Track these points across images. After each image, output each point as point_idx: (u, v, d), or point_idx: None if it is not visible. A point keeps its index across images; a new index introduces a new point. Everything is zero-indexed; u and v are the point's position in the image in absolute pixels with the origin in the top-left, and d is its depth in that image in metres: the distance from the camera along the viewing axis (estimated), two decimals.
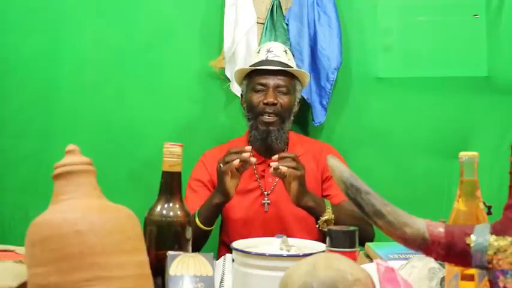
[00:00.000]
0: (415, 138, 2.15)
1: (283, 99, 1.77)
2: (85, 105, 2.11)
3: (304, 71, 1.89)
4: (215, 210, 1.65)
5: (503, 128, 2.11)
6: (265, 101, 1.75)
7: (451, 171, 2.01)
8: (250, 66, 1.84)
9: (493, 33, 2.11)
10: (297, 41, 2.16)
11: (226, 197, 1.59)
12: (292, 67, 1.83)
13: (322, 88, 2.12)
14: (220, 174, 1.57)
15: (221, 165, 1.56)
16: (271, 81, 1.76)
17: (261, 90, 1.77)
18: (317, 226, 1.61)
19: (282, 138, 1.79)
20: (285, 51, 1.85)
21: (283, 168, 1.54)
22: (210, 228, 1.65)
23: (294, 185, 1.57)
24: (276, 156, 1.58)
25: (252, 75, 1.81)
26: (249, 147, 1.56)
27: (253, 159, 1.55)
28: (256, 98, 1.77)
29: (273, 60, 1.79)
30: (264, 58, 1.80)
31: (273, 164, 1.56)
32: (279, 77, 1.77)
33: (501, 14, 2.11)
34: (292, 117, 1.83)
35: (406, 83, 2.15)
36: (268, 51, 1.81)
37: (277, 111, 1.76)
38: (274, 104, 1.75)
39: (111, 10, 2.14)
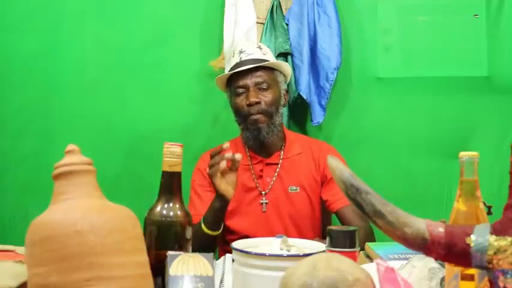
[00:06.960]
0: (415, 138, 2.15)
1: (266, 95, 1.75)
2: (85, 105, 2.11)
3: (280, 62, 1.87)
4: (219, 214, 1.58)
5: (503, 128, 2.10)
6: (247, 103, 1.73)
7: (451, 171, 2.01)
8: (226, 72, 1.82)
9: (493, 33, 2.11)
10: (297, 41, 2.16)
11: (225, 199, 1.54)
12: (268, 60, 1.79)
13: (322, 88, 2.11)
14: (212, 179, 1.52)
15: (209, 171, 1.51)
16: (249, 80, 1.74)
17: (242, 92, 1.76)
18: None
19: (273, 132, 1.76)
20: (259, 47, 1.82)
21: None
22: (217, 233, 1.59)
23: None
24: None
25: (232, 80, 1.79)
26: (226, 144, 1.48)
27: (238, 155, 1.48)
28: (240, 101, 1.76)
29: (246, 60, 1.76)
30: (238, 60, 1.78)
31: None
32: (256, 74, 1.75)
33: (501, 14, 2.11)
34: (281, 110, 1.80)
35: (406, 83, 2.15)
36: (241, 52, 1.79)
37: (262, 109, 1.73)
38: (258, 103, 1.73)
39: (111, 10, 2.14)
